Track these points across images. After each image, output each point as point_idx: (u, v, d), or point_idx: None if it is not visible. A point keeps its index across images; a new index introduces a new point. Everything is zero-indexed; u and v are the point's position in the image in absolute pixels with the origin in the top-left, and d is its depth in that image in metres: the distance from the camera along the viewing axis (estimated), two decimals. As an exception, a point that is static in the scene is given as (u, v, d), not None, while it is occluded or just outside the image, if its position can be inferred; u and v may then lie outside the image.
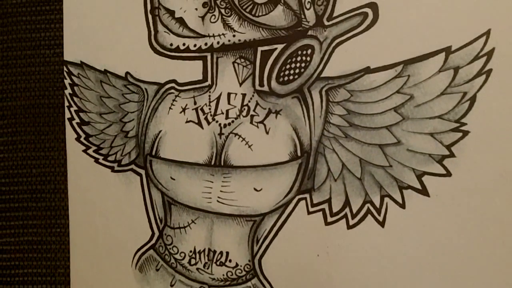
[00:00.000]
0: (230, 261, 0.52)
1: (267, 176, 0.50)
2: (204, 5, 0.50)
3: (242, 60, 0.50)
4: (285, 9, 0.48)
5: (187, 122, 0.52)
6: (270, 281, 0.51)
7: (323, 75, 0.48)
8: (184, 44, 0.51)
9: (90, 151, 0.55)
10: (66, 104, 0.55)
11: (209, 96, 0.51)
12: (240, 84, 0.50)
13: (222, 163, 0.51)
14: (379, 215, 0.48)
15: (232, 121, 0.51)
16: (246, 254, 0.52)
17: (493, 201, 0.45)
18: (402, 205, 0.47)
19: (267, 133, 0.50)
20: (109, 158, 0.54)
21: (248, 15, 0.49)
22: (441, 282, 0.47)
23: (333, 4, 0.47)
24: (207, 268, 0.53)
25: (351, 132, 0.48)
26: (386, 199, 0.48)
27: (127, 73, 0.53)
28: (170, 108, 0.52)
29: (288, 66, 0.49)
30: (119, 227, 0.54)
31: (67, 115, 0.55)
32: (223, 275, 0.52)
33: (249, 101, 0.50)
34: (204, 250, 0.53)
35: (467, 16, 0.44)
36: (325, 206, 0.49)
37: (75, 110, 0.55)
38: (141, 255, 0.54)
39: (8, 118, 0.57)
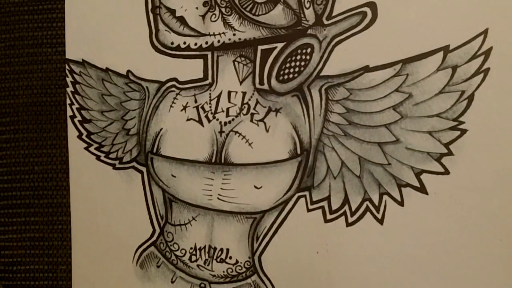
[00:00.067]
0: (230, 258, 0.52)
1: (267, 173, 0.50)
2: (204, 4, 0.50)
3: (243, 58, 0.50)
4: (284, 8, 0.48)
5: (188, 120, 0.52)
6: (270, 278, 0.51)
7: (322, 73, 0.48)
8: (185, 43, 0.51)
9: (91, 149, 0.55)
10: (68, 102, 0.55)
11: (210, 94, 0.51)
12: (241, 83, 0.50)
13: (222, 161, 0.51)
14: (378, 212, 0.48)
15: (233, 119, 0.51)
16: (246, 251, 0.52)
17: (491, 199, 0.45)
18: (401, 203, 0.47)
19: (267, 131, 0.50)
20: (111, 156, 0.55)
21: (248, 14, 0.49)
22: (439, 279, 0.47)
23: (333, 3, 0.48)
24: (208, 265, 0.53)
25: (350, 130, 0.48)
26: (385, 197, 0.48)
27: (128, 71, 0.53)
28: (171, 106, 0.52)
29: (288, 65, 0.49)
30: (121, 224, 0.54)
31: (69, 113, 0.55)
32: (224, 271, 0.53)
33: (249, 99, 0.50)
34: (204, 247, 0.53)
35: (465, 16, 0.45)
36: (325, 203, 0.49)
37: (77, 108, 0.55)
38: (142, 251, 0.54)
39: (11, 116, 0.57)
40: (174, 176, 0.52)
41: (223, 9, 0.50)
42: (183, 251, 0.53)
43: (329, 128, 0.49)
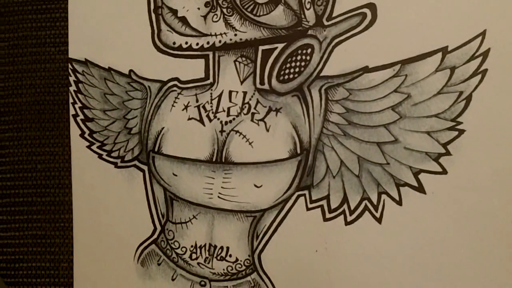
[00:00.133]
0: (230, 256, 0.52)
1: (267, 172, 0.50)
2: (206, 4, 0.50)
3: (243, 58, 0.50)
4: (285, 9, 0.49)
5: (189, 119, 0.52)
6: (270, 276, 0.52)
7: (322, 74, 0.49)
8: (186, 43, 0.51)
9: (94, 147, 0.55)
10: (71, 100, 0.56)
11: (211, 94, 0.51)
12: (241, 83, 0.51)
13: (223, 160, 0.51)
14: (377, 211, 0.48)
15: (233, 119, 0.51)
16: (246, 249, 0.52)
17: (488, 199, 0.46)
18: (399, 202, 0.48)
19: (268, 130, 0.50)
20: (113, 154, 0.55)
21: (249, 14, 0.49)
22: (437, 277, 0.48)
23: (333, 4, 0.48)
24: (208, 263, 0.53)
25: (349, 130, 0.48)
26: (383, 196, 0.48)
27: (130, 70, 0.53)
28: (172, 105, 0.52)
29: (288, 65, 0.49)
30: (122, 222, 0.55)
31: (72, 111, 0.56)
32: (224, 269, 0.53)
33: (250, 99, 0.50)
34: (205, 245, 0.53)
35: (464, 17, 0.45)
36: (324, 202, 0.50)
37: (79, 107, 0.55)
38: (143, 249, 0.55)
39: (14, 114, 0.57)
40: (175, 175, 0.53)
41: (224, 10, 0.50)
42: (184, 249, 0.54)
43: (329, 127, 0.49)
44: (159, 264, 0.55)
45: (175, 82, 0.52)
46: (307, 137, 0.49)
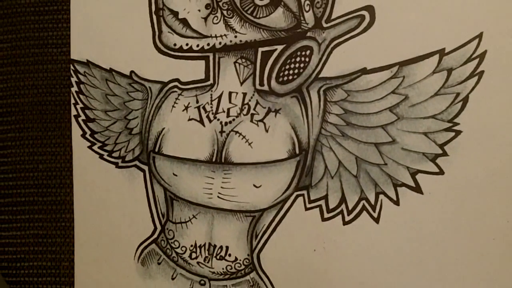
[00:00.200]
0: (229, 255, 0.53)
1: (266, 173, 0.50)
2: (207, 6, 0.50)
3: (243, 60, 0.50)
4: (285, 11, 0.49)
5: (189, 120, 0.52)
6: (268, 275, 0.52)
7: (321, 75, 0.49)
8: (187, 44, 0.51)
9: (95, 147, 0.55)
10: (72, 101, 0.56)
11: (211, 95, 0.52)
12: (241, 84, 0.51)
13: (222, 160, 0.51)
14: (374, 211, 0.49)
15: (233, 119, 0.51)
16: (245, 249, 0.52)
17: (484, 199, 0.46)
18: (396, 202, 0.48)
19: (267, 131, 0.50)
20: (114, 154, 0.55)
21: (249, 16, 0.49)
22: (433, 276, 0.48)
23: (332, 6, 0.48)
24: (208, 262, 0.53)
25: (347, 131, 0.48)
26: (381, 196, 0.48)
27: (131, 72, 0.53)
28: (173, 106, 0.53)
29: (287, 67, 0.49)
30: (123, 221, 0.55)
31: (73, 112, 0.56)
32: (223, 269, 0.53)
33: (249, 100, 0.51)
34: (204, 245, 0.53)
35: (461, 20, 0.45)
36: (322, 202, 0.50)
37: (81, 108, 0.55)
38: (144, 249, 0.55)
39: (16, 115, 0.57)
40: (176, 175, 0.53)
41: (224, 12, 0.50)
42: (184, 249, 0.54)
43: (327, 128, 0.49)
44: (159, 263, 0.55)
45: (176, 83, 0.52)
46: (306, 138, 0.50)
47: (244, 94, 0.51)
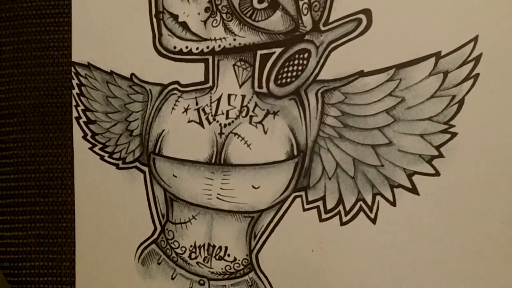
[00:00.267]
0: (228, 255, 0.53)
1: (265, 174, 0.50)
2: (206, 10, 0.50)
3: (242, 63, 0.50)
4: (283, 14, 0.49)
5: (189, 121, 0.52)
6: (267, 275, 0.52)
7: (319, 78, 0.49)
8: (187, 47, 0.51)
9: (96, 149, 0.55)
10: (74, 103, 0.56)
11: (210, 97, 0.52)
12: (240, 86, 0.51)
13: (222, 162, 0.51)
14: (371, 212, 0.49)
15: (232, 121, 0.51)
16: (244, 249, 0.53)
17: (480, 200, 0.46)
18: (393, 203, 0.48)
19: (265, 133, 0.50)
20: (114, 156, 0.55)
21: (248, 20, 0.49)
22: (430, 276, 0.48)
23: (329, 10, 0.48)
24: (207, 262, 0.53)
25: (345, 133, 0.49)
26: (378, 197, 0.49)
27: (132, 74, 0.54)
28: (173, 108, 0.53)
29: (286, 69, 0.49)
30: (123, 222, 0.55)
31: (75, 114, 0.56)
32: (222, 269, 0.53)
33: (248, 102, 0.51)
34: (204, 245, 0.53)
35: (456, 23, 0.45)
36: (320, 203, 0.50)
37: (82, 109, 0.56)
38: (144, 249, 0.55)
39: (18, 117, 0.57)
40: (175, 176, 0.53)
41: (224, 15, 0.50)
42: (183, 249, 0.54)
43: (325, 130, 0.49)
44: (159, 264, 0.55)
45: (176, 86, 0.53)
46: (304, 140, 0.50)
47: (243, 97, 0.51)
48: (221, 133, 0.52)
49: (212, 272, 0.54)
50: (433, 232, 0.48)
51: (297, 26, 0.49)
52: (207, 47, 0.51)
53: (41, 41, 0.57)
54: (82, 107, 0.56)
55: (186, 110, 0.52)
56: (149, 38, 0.53)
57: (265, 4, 0.49)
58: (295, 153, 0.50)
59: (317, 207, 0.50)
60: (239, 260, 0.53)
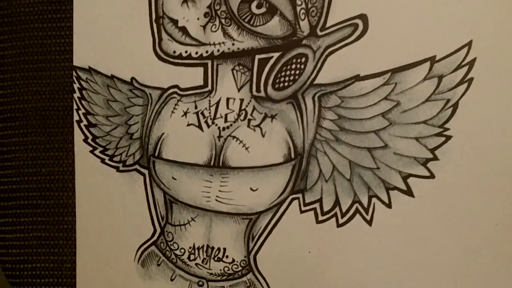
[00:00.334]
0: (227, 257, 0.53)
1: (263, 176, 0.51)
2: (205, 15, 0.51)
3: (241, 67, 0.51)
4: (281, 19, 0.49)
5: (188, 125, 0.52)
6: (265, 276, 0.53)
7: (316, 82, 0.49)
8: (186, 52, 0.51)
9: (96, 152, 0.56)
10: (75, 107, 0.56)
11: (209, 100, 0.52)
12: (238, 90, 0.51)
13: (220, 164, 0.52)
14: (367, 214, 0.49)
15: (231, 125, 0.51)
16: (242, 251, 0.53)
17: (474, 202, 0.46)
18: (389, 205, 0.48)
19: (263, 136, 0.51)
20: (115, 159, 0.55)
21: (246, 25, 0.50)
22: (425, 277, 0.48)
23: (326, 15, 0.48)
24: (206, 264, 0.54)
25: (341, 136, 0.49)
26: (374, 199, 0.49)
27: (132, 78, 0.54)
28: (172, 111, 0.53)
29: (283, 73, 0.50)
30: (123, 224, 0.55)
31: (76, 117, 0.56)
32: (221, 270, 0.54)
33: (246, 106, 0.51)
34: (202, 247, 0.54)
35: (451, 28, 0.45)
36: (317, 205, 0.50)
37: (83, 113, 0.56)
38: (144, 250, 0.55)
39: (20, 120, 0.57)
40: (175, 179, 0.53)
41: (223, 20, 0.50)
42: (182, 250, 0.54)
43: (322, 133, 0.49)
44: (158, 265, 0.55)
45: (175, 89, 0.53)
46: (301, 143, 0.50)
47: (241, 100, 0.51)
48: (219, 136, 0.52)
49: (211, 273, 0.54)
50: (428, 233, 0.48)
51: (294, 31, 0.49)
52: (206, 52, 0.51)
53: (43, 45, 0.57)
54: (83, 110, 0.56)
55: (185, 113, 0.53)
56: (149, 42, 0.53)
57: (263, 10, 0.49)
58: (293, 156, 0.50)
59: (314, 209, 0.51)
60: (237, 262, 0.53)
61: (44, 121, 0.57)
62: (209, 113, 0.52)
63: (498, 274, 0.47)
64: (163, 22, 0.52)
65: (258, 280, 0.53)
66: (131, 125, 0.55)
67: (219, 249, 0.53)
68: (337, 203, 0.50)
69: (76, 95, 0.56)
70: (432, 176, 0.47)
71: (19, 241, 0.58)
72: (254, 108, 0.51)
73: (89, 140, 0.56)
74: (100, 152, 0.56)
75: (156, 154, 0.54)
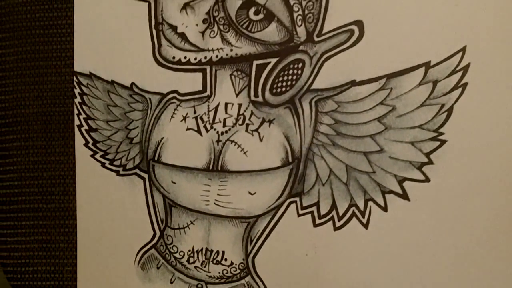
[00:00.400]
0: (225, 260, 0.54)
1: (261, 180, 0.51)
2: (204, 21, 0.51)
3: (239, 72, 0.51)
4: (278, 25, 0.49)
5: (187, 129, 0.53)
6: (263, 278, 0.53)
7: (313, 87, 0.49)
8: (185, 57, 0.52)
9: (97, 156, 0.56)
10: (76, 112, 0.56)
11: (208, 105, 0.52)
12: (237, 95, 0.51)
13: (219, 168, 0.52)
14: (363, 217, 0.49)
15: (229, 129, 0.52)
16: (241, 253, 0.53)
17: (468, 205, 0.47)
18: (385, 209, 0.49)
19: (261, 140, 0.51)
20: (115, 163, 0.56)
21: (244, 31, 0.50)
22: (420, 279, 0.49)
23: (323, 21, 0.48)
24: (205, 267, 0.54)
25: (338, 140, 0.49)
26: (370, 203, 0.49)
27: (132, 83, 0.54)
28: (172, 116, 0.53)
29: (280, 79, 0.50)
30: (123, 227, 0.56)
31: (77, 122, 0.56)
32: (219, 273, 0.54)
33: (244, 111, 0.51)
34: (201, 250, 0.54)
35: (445, 34, 0.46)
36: (314, 209, 0.51)
37: (84, 118, 0.56)
38: (143, 253, 0.56)
39: (22, 125, 0.58)
40: (174, 183, 0.54)
41: (221, 26, 0.51)
42: (182, 253, 0.55)
43: (319, 138, 0.50)
44: (158, 268, 0.56)
45: (175, 95, 0.53)
46: (298, 147, 0.50)
47: (240, 105, 0.51)
48: (218, 141, 0.52)
49: (210, 276, 0.54)
50: (423, 236, 0.48)
51: (291, 37, 0.49)
52: (205, 57, 0.52)
53: (44, 51, 0.57)
54: (83, 115, 0.56)
55: (184, 118, 0.53)
56: (148, 48, 0.53)
57: (260, 16, 0.50)
58: (290, 160, 0.51)
59: (311, 212, 0.51)
60: (235, 264, 0.54)
61: (46, 125, 0.57)
62: (208, 117, 0.52)
63: (493, 278, 0.47)
64: (163, 28, 0.53)
65: (256, 283, 0.53)
66: (131, 130, 0.55)
67: (217, 252, 0.54)
68: (334, 206, 0.50)
69: (77, 100, 0.56)
70: (427, 180, 0.47)
71: (20, 244, 0.59)
72: (252, 113, 0.51)
73: (90, 145, 0.56)
74: (101, 156, 0.56)
75: (156, 158, 0.54)
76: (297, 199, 0.51)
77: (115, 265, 0.57)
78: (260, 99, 0.51)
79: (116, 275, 0.57)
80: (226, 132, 0.52)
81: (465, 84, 0.46)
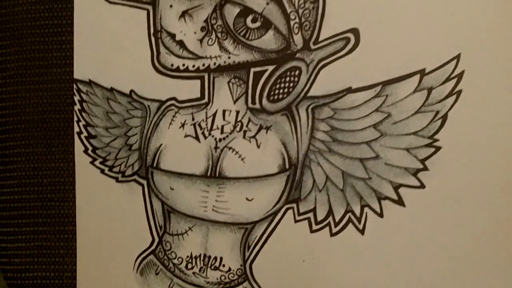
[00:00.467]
0: (223, 265, 0.54)
1: (258, 187, 0.51)
2: (202, 29, 0.51)
3: (236, 80, 0.51)
4: (275, 33, 0.49)
5: (185, 136, 0.53)
6: (260, 284, 0.53)
7: (309, 94, 0.49)
8: (183, 65, 0.52)
9: (96, 163, 0.56)
10: (75, 119, 0.56)
11: (206, 112, 0.52)
12: (234, 102, 0.51)
13: (217, 175, 0.52)
14: (360, 223, 0.50)
15: (227, 136, 0.52)
16: (238, 259, 0.53)
17: (463, 211, 0.47)
18: (380, 215, 0.49)
19: (258, 147, 0.51)
20: (114, 169, 0.56)
21: (242, 38, 0.50)
22: (416, 285, 0.49)
23: (319, 29, 0.48)
24: (203, 272, 0.54)
25: (334, 147, 0.49)
26: (366, 209, 0.49)
27: (131, 91, 0.54)
28: (170, 123, 0.53)
29: (278, 86, 0.50)
30: (122, 233, 0.56)
31: (76, 129, 0.56)
32: (217, 278, 0.54)
33: (242, 118, 0.51)
34: (200, 255, 0.54)
35: (440, 42, 0.46)
36: (311, 215, 0.51)
37: (83, 125, 0.56)
38: (142, 259, 0.56)
39: (21, 131, 0.58)
40: (173, 189, 0.54)
41: (219, 34, 0.51)
42: (180, 259, 0.55)
43: (315, 144, 0.50)
44: (157, 274, 0.56)
45: (173, 102, 0.53)
46: (295, 153, 0.50)
47: (237, 112, 0.52)
48: (216, 147, 0.52)
49: (208, 282, 0.54)
50: (419, 242, 0.48)
51: (288, 44, 0.50)
52: (203, 65, 0.52)
53: (44, 58, 0.57)
54: (83, 122, 0.57)
55: (183, 125, 0.53)
56: (147, 56, 0.53)
57: (258, 24, 0.50)
58: (287, 166, 0.51)
59: (308, 218, 0.51)
60: (233, 270, 0.54)
61: (45, 132, 0.58)
62: (206, 124, 0.53)
63: (489, 282, 0.48)
64: (161, 36, 0.53)
65: (254, 288, 0.53)
66: (130, 137, 0.55)
67: (215, 258, 0.54)
68: (330, 212, 0.50)
69: (77, 107, 0.57)
70: (422, 186, 0.48)
71: (20, 250, 0.59)
72: (249, 120, 0.51)
73: (89, 151, 0.57)
74: (100, 163, 0.56)
75: (154, 164, 0.54)
76: (294, 205, 0.51)
77: (114, 271, 0.57)
78: (257, 106, 0.51)
79: (115, 281, 0.57)
80: (224, 138, 0.52)
81: (459, 91, 0.46)
